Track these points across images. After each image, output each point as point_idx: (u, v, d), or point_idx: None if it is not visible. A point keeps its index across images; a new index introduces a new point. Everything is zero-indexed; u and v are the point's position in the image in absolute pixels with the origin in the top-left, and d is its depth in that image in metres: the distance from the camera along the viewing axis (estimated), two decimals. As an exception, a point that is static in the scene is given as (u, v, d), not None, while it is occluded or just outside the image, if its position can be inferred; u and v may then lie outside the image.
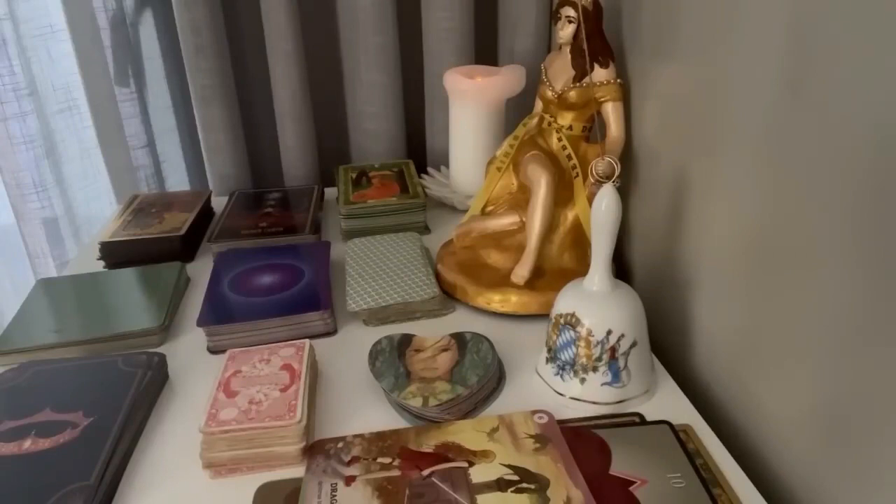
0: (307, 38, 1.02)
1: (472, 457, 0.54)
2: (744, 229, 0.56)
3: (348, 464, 0.54)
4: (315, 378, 0.64)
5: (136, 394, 0.60)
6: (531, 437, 0.56)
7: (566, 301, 0.61)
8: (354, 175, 0.99)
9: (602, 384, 0.59)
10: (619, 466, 0.52)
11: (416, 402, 0.58)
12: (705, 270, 0.63)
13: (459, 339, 0.66)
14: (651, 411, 0.59)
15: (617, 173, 0.57)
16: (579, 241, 0.75)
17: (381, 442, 0.56)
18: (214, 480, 0.54)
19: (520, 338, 0.69)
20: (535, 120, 0.79)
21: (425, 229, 0.93)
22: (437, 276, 0.78)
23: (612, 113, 0.74)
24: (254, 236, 0.88)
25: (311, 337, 0.68)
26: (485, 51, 1.05)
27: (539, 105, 0.80)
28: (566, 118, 0.76)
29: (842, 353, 0.45)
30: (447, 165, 1.03)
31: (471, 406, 0.60)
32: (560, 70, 0.75)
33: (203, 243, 0.92)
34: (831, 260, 0.45)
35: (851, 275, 0.44)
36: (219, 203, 1.01)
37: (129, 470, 0.56)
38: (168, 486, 0.54)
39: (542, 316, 0.67)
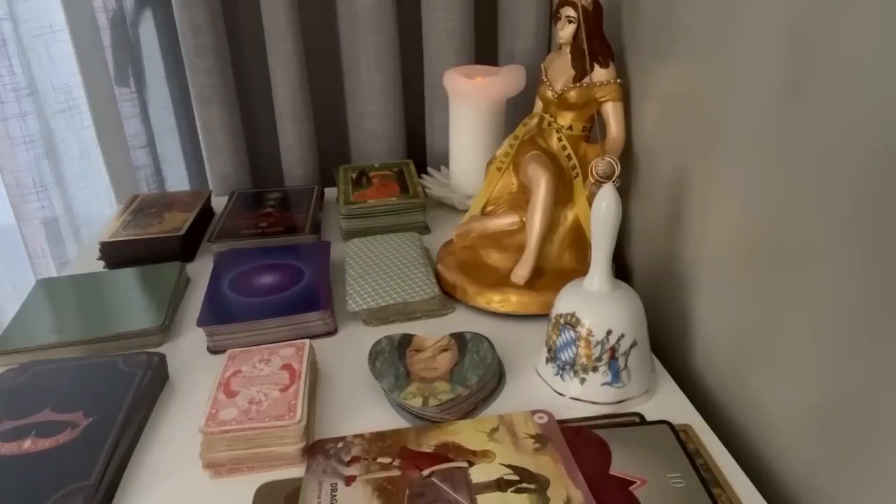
0: (307, 38, 1.02)
1: (472, 457, 0.54)
2: (744, 229, 0.56)
3: (348, 464, 0.54)
4: (315, 378, 0.64)
5: (136, 394, 0.60)
6: (531, 437, 0.56)
7: (566, 301, 0.61)
8: (354, 175, 0.99)
9: (602, 384, 0.59)
10: (619, 466, 0.52)
11: (416, 402, 0.58)
12: (705, 270, 0.63)
13: (459, 339, 0.66)
14: (651, 411, 0.59)
15: (617, 173, 0.57)
16: (579, 241, 0.75)
17: (381, 442, 0.56)
18: (214, 480, 0.54)
19: (520, 338, 0.69)
20: (535, 120, 0.79)
21: (425, 229, 0.93)
22: (437, 276, 0.78)
23: (612, 113, 0.74)
24: (254, 236, 0.88)
25: (311, 337, 0.68)
26: (485, 51, 1.05)
27: (539, 105, 0.80)
28: (566, 118, 0.76)
29: (842, 353, 0.45)
30: (447, 165, 1.02)
31: (471, 406, 0.60)
32: (560, 70, 0.75)
33: (203, 243, 0.92)
34: (831, 260, 0.45)
35: (851, 275, 0.44)
36: (219, 203, 1.01)
37: (129, 470, 0.56)
38: (168, 486, 0.54)
39: (542, 316, 0.67)
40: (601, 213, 0.57)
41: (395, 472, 0.52)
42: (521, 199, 0.77)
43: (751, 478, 0.52)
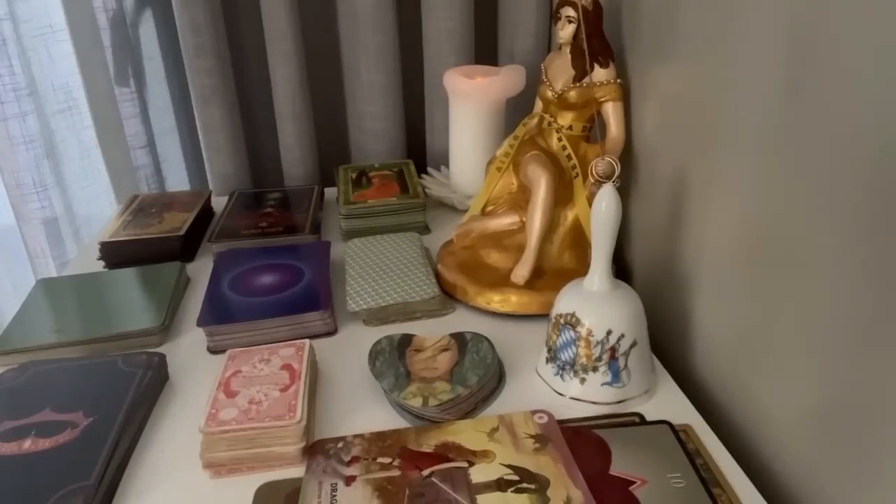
0: (307, 38, 1.02)
1: (472, 457, 0.54)
2: (744, 229, 0.56)
3: (348, 464, 0.54)
4: (315, 378, 0.64)
5: (136, 394, 0.60)
6: (531, 437, 0.56)
7: (566, 301, 0.61)
8: (354, 175, 0.99)
9: (602, 384, 0.59)
10: (619, 466, 0.52)
11: (416, 402, 0.58)
12: (705, 270, 0.63)
13: (459, 339, 0.66)
14: (651, 411, 0.59)
15: (617, 173, 0.57)
16: (579, 241, 0.75)
17: (381, 442, 0.56)
18: (214, 480, 0.54)
19: (520, 338, 0.69)
20: (535, 120, 0.79)
21: (425, 229, 0.93)
22: (437, 276, 0.78)
23: (612, 113, 0.74)
24: (254, 236, 0.88)
25: (311, 337, 0.68)
26: (485, 51, 1.05)
27: (539, 105, 0.80)
28: (566, 118, 0.76)
29: (842, 353, 0.45)
30: (447, 165, 1.02)
31: (471, 406, 0.60)
32: (560, 70, 0.75)
33: (203, 243, 0.92)
34: (831, 260, 0.45)
35: (851, 275, 0.44)
36: (219, 203, 1.01)
37: (129, 470, 0.56)
38: (168, 486, 0.54)
39: (542, 316, 0.67)
40: (601, 213, 0.57)
41: (395, 472, 0.52)
42: (521, 199, 0.77)
43: (751, 478, 0.52)
